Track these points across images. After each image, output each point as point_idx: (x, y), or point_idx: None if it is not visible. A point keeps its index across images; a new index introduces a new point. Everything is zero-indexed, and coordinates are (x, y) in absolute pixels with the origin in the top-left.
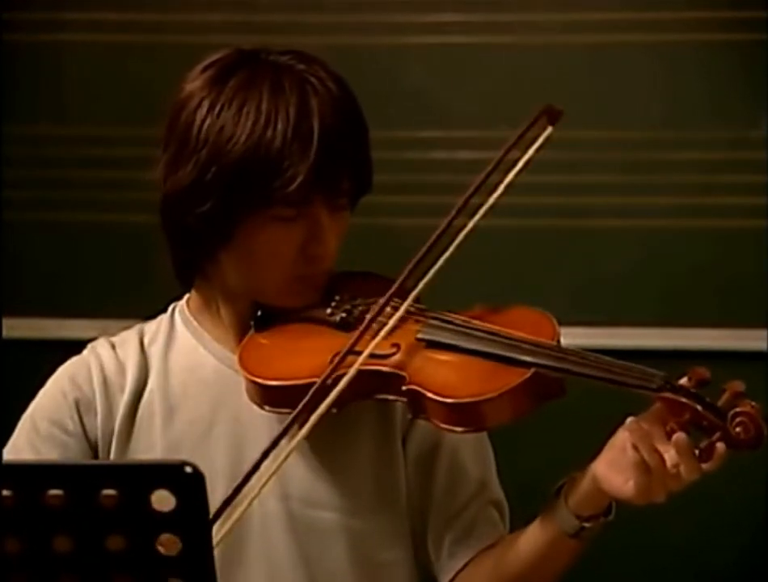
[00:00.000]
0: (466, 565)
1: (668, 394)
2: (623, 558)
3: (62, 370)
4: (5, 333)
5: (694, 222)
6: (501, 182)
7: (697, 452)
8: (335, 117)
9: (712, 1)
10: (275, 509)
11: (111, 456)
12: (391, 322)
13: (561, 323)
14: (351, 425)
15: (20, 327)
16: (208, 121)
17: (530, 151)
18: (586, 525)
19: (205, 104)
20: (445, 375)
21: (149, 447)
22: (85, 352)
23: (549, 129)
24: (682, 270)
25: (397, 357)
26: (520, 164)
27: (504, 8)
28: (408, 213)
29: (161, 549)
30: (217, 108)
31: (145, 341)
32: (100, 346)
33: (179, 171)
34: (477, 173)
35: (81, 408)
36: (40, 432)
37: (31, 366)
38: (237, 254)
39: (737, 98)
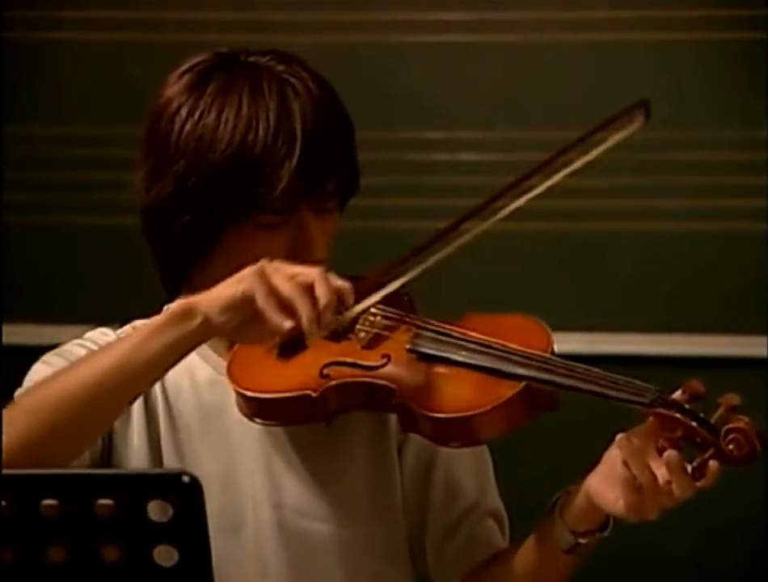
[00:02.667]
0: (464, 578)
1: (661, 410)
2: (622, 563)
3: (71, 342)
4: (3, 339)
5: (695, 225)
6: (571, 163)
7: (690, 469)
8: (317, 119)
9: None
10: (268, 519)
11: (134, 442)
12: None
13: (563, 328)
14: (345, 436)
15: (18, 333)
16: (187, 128)
17: (617, 135)
18: (581, 540)
19: (184, 111)
20: (435, 389)
21: (153, 445)
22: (89, 334)
23: (640, 121)
24: (683, 274)
25: (386, 369)
26: (602, 147)
27: (506, 6)
28: (408, 215)
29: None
30: (196, 115)
31: None
32: (107, 336)
33: (160, 181)
34: (478, 174)
35: None
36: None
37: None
38: (223, 263)
39: (740, 98)
